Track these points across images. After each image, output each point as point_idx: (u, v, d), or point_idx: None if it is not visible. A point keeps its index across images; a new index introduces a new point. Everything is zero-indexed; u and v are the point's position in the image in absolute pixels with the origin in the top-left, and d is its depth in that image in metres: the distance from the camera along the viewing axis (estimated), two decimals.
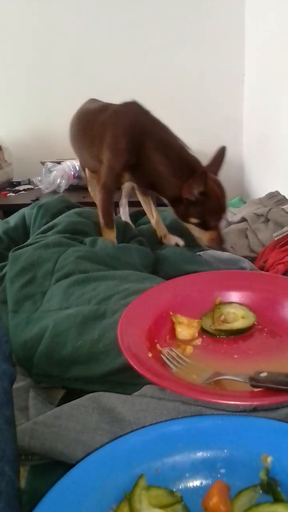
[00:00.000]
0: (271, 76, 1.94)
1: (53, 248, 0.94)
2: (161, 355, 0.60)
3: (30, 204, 1.33)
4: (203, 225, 1.05)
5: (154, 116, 1.11)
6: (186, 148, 1.06)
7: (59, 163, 2.17)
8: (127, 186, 1.52)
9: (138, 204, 1.64)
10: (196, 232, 1.08)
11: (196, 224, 1.06)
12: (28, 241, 1.03)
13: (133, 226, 1.31)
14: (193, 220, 1.05)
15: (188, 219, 1.06)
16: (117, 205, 1.51)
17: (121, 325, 0.62)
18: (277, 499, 0.41)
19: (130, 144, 1.07)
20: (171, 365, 0.58)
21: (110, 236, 1.09)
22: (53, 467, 0.51)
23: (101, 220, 1.11)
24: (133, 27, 2.35)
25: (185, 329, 0.66)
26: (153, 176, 1.06)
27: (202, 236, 1.08)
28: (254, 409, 0.50)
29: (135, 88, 2.29)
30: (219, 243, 1.07)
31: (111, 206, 1.15)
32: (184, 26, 2.33)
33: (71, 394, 0.64)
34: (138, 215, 1.44)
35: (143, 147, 1.05)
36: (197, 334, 0.66)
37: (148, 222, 1.30)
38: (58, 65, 2.42)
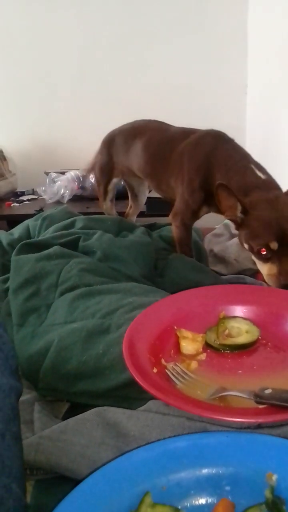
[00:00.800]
0: (273, 87, 1.95)
1: (56, 259, 0.94)
2: (166, 370, 0.60)
3: (34, 214, 1.34)
4: (256, 253, 0.89)
5: (230, 144, 1.06)
6: (256, 174, 0.96)
7: (63, 173, 2.18)
8: (141, 199, 1.54)
9: (141, 214, 1.65)
10: (257, 263, 0.92)
11: (252, 252, 0.91)
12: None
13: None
14: (245, 245, 0.92)
15: (242, 244, 0.93)
16: (122, 215, 1.52)
17: (126, 339, 0.62)
18: None
19: (202, 182, 1.05)
20: (175, 380, 0.58)
21: None
22: (58, 482, 0.52)
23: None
24: (135, 38, 2.37)
25: (190, 344, 0.66)
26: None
27: (260, 268, 0.91)
28: (259, 426, 0.50)
29: (138, 98, 2.32)
30: (278, 281, 0.86)
31: (191, 241, 1.15)
32: (186, 36, 2.35)
33: (76, 408, 0.64)
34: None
35: (213, 180, 1.00)
36: (201, 349, 0.66)
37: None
38: (61, 76, 2.45)
